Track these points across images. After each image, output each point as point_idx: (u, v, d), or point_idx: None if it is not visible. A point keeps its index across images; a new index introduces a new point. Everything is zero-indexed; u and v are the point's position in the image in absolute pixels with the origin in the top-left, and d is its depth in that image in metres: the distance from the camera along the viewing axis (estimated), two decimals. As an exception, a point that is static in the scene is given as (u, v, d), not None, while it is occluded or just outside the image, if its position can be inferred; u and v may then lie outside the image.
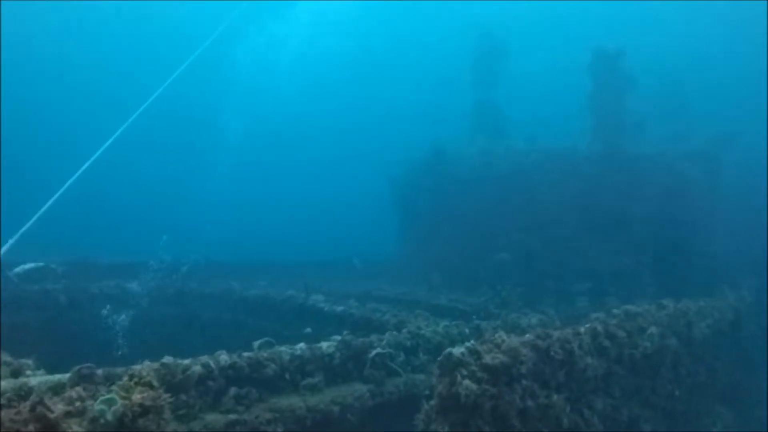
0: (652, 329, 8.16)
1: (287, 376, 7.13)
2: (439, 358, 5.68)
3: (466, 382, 5.43)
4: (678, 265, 15.12)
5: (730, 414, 10.78)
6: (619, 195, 14.93)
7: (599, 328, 7.45)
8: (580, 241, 14.98)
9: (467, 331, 9.38)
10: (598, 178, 15.08)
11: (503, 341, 5.98)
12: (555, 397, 6.44)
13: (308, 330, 10.92)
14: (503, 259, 15.06)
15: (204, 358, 6.56)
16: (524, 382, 6.00)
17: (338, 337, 7.86)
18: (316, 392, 7.21)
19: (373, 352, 7.83)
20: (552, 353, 6.46)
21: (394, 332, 8.56)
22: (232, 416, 6.37)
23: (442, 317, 10.81)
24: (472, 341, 5.78)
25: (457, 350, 5.62)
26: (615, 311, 8.38)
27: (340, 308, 11.00)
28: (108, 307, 12.67)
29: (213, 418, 6.29)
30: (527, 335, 6.60)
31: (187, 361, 6.38)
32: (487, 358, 5.71)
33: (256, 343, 7.41)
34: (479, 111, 19.74)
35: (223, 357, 6.70)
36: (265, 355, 7.02)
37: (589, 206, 15.06)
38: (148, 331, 12.75)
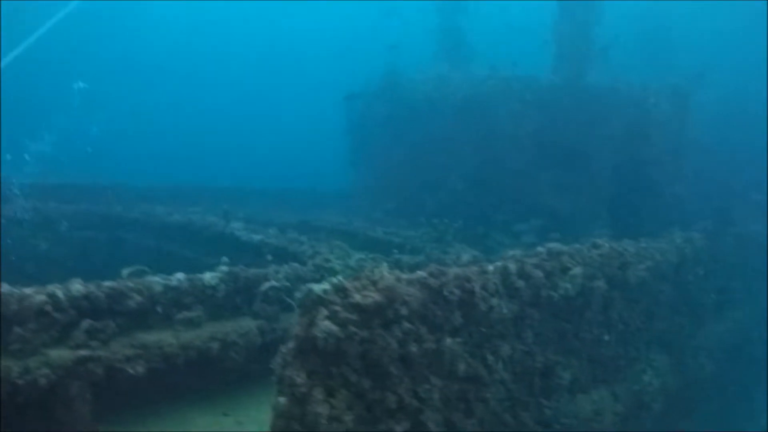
0: (576, 270, 7.47)
1: (159, 309, 6.40)
2: (298, 295, 4.94)
3: (326, 323, 4.70)
4: (637, 206, 14.44)
5: (666, 360, 10.31)
6: (579, 129, 14.06)
7: (512, 266, 6.72)
8: (536, 175, 14.20)
9: (385, 265, 8.66)
10: (557, 109, 14.16)
11: (381, 278, 5.23)
12: (448, 341, 5.76)
13: (225, 259, 10.22)
14: (453, 187, 14.31)
15: (51, 287, 5.78)
16: (406, 324, 5.29)
17: (225, 267, 7.11)
18: (193, 327, 6.52)
19: (266, 285, 7.11)
20: (446, 293, 5.74)
21: (296, 264, 7.82)
22: (83, 352, 5.65)
23: (371, 250, 10.15)
24: (339, 277, 5.03)
25: (320, 286, 4.86)
26: (539, 249, 7.64)
27: (258, 237, 10.25)
28: (22, 228, 11.84)
29: (58, 354, 5.56)
30: (418, 272, 5.86)
31: (29, 290, 5.61)
32: (357, 297, 4.96)
33: (125, 271, 6.64)
34: (442, 37, 18.57)
35: (76, 286, 5.92)
36: (130, 284, 6.25)
37: (548, 139, 14.20)
38: (65, 255, 11.99)
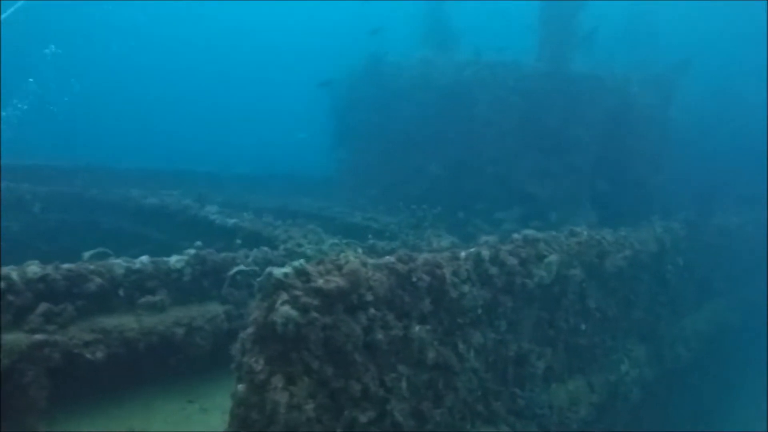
0: (552, 257, 7.34)
1: (121, 292, 6.21)
2: (258, 278, 4.77)
3: (285, 308, 4.54)
4: (619, 194, 14.36)
5: (643, 350, 10.24)
6: (562, 116, 13.93)
7: (485, 253, 6.58)
8: (517, 162, 14.06)
9: (360, 250, 8.50)
10: (540, 96, 14.00)
11: (346, 262, 5.07)
12: (417, 328, 5.62)
13: (198, 243, 10.03)
14: (433, 173, 14.14)
15: (6, 269, 5.57)
16: (372, 311, 5.14)
17: (192, 251, 6.91)
18: (157, 312, 6.33)
19: (234, 270, 6.92)
20: (414, 279, 5.59)
21: (266, 248, 7.64)
22: (39, 336, 5.45)
23: (348, 236, 9.97)
24: (302, 261, 4.86)
25: (280, 270, 4.70)
26: (515, 236, 7.50)
27: (232, 221, 10.04)
28: None
29: (13, 338, 5.36)
30: (387, 257, 5.71)
31: (-18, 272, 5.40)
32: (320, 281, 4.80)
33: (86, 254, 6.43)
34: (427, 21, 18.30)
35: (33, 268, 5.71)
36: (91, 267, 6.05)
37: (530, 126, 14.06)
38: (36, 237, 11.72)
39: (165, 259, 6.68)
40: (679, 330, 11.56)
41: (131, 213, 11.91)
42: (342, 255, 5.22)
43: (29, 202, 12.18)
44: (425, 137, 14.86)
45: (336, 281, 4.88)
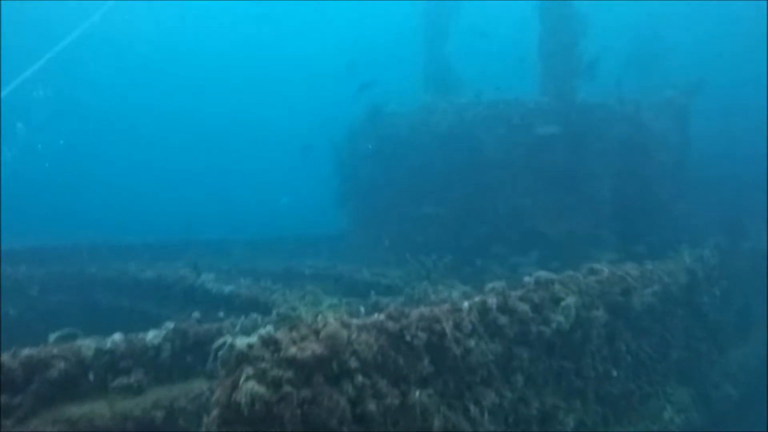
0: (569, 300, 6.62)
1: (91, 376, 5.61)
2: (220, 352, 4.17)
3: (250, 384, 3.90)
4: (641, 226, 13.57)
5: (686, 392, 9.29)
6: (572, 149, 13.32)
7: (491, 301, 5.90)
8: (530, 201, 13.41)
9: (362, 309, 7.85)
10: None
11: (324, 325, 4.44)
12: (417, 393, 4.92)
13: (195, 314, 9.48)
14: (444, 220, 13.55)
15: (-45, 361, 5.03)
16: (359, 378, 4.47)
17: (171, 324, 6.32)
18: (133, 394, 5.70)
19: (220, 342, 6.29)
20: (408, 337, 4.93)
21: (255, 315, 7.03)
22: (-6, 435, 4.86)
23: (356, 294, 9.37)
24: (269, 327, 4.25)
25: (244, 340, 4.08)
26: (526, 279, 6.81)
27: (228, 288, 9.48)
28: None
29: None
30: (376, 315, 5.07)
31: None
32: (292, 350, 4.17)
33: (52, 336, 5.88)
34: (428, 68, 18.05)
35: (-14, 357, 5.16)
36: (54, 351, 5.48)
37: (539, 163, 13.46)
38: (35, 320, 11.27)
39: (141, 335, 6.10)
40: (723, 366, 10.57)
41: (129, 288, 11.45)
42: (320, 317, 4.60)
43: (26, 285, 11.80)
44: (432, 184, 14.31)
45: (312, 348, 4.25)
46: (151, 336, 6.10)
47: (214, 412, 3.98)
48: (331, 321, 4.53)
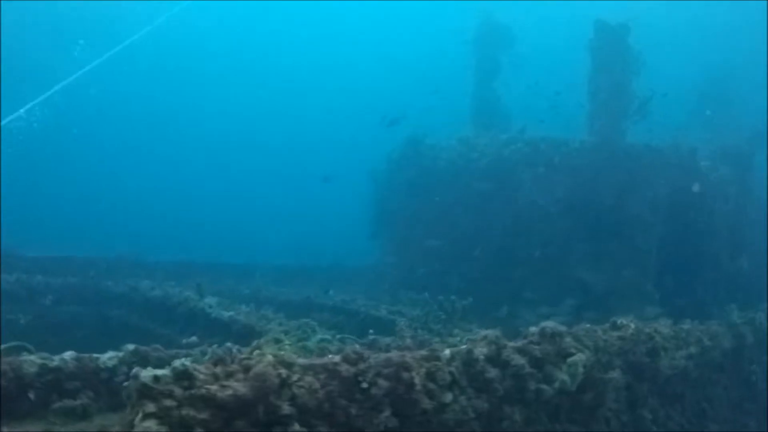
0: (578, 356, 5.77)
1: (31, 395, 5.14)
2: (125, 383, 3.61)
3: (147, 424, 3.31)
4: (690, 282, 12.43)
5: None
6: (618, 193, 12.37)
7: (480, 351, 5.15)
8: (568, 247, 12.48)
9: (358, 347, 7.18)
10: (591, 173, 12.54)
11: (259, 361, 3.83)
12: (370, 452, 4.22)
13: (193, 338, 9.03)
14: (479, 262, 12.80)
15: None
16: (296, 428, 3.82)
17: (131, 347, 5.82)
18: (77, 419, 5.19)
19: (135, 371, 5.74)
20: (366, 384, 4.25)
21: (229, 344, 6.44)
22: None
23: (372, 330, 8.76)
24: (185, 360, 3.67)
25: (150, 372, 3.51)
26: (531, 329, 6.01)
27: (227, 314, 9.01)
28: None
29: None
30: (330, 355, 4.43)
31: None
32: (211, 388, 3.57)
33: (-1, 348, 5.46)
34: (478, 103, 17.46)
35: None
36: (-7, 365, 5.04)
37: (582, 207, 12.54)
38: (45, 330, 11.07)
39: (95, 355, 5.62)
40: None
41: (138, 306, 11.15)
42: (255, 353, 3.99)
43: (41, 294, 11.67)
44: (466, 222, 13.56)
45: (235, 387, 3.63)
46: (107, 357, 5.60)
47: (109, 455, 3.41)
48: (268, 356, 3.92)
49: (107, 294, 12.01)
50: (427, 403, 4.55)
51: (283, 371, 3.89)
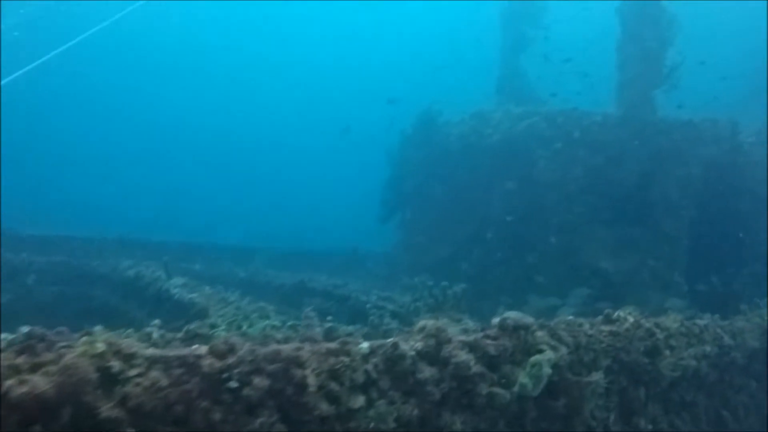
0: (546, 354, 4.77)
1: None
2: None
3: None
4: (723, 272, 11.12)
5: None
6: (644, 173, 11.14)
7: (409, 345, 4.23)
8: (585, 230, 11.33)
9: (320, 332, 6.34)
10: (617, 150, 11.32)
11: (82, 352, 3.02)
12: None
13: (156, 321, 8.40)
14: (490, 246, 11.80)
15: None
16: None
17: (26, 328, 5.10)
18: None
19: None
20: (235, 384, 3.40)
21: (151, 329, 5.71)
22: None
23: (359, 319, 8.05)
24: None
25: None
26: (494, 320, 5.02)
27: (190, 295, 8.32)
28: None
29: None
30: (195, 345, 3.59)
31: None
32: (8, 383, 2.79)
33: None
34: (504, 79, 16.28)
35: None
36: None
37: (604, 187, 11.37)
38: (25, 309, 10.67)
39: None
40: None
41: (118, 286, 10.61)
42: (83, 340, 3.19)
43: (24, 272, 11.27)
44: (478, 203, 12.54)
45: (36, 384, 2.83)
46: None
47: None
48: (98, 346, 3.11)
49: (91, 274, 11.54)
50: (323, 408, 3.66)
51: (115, 363, 3.08)
